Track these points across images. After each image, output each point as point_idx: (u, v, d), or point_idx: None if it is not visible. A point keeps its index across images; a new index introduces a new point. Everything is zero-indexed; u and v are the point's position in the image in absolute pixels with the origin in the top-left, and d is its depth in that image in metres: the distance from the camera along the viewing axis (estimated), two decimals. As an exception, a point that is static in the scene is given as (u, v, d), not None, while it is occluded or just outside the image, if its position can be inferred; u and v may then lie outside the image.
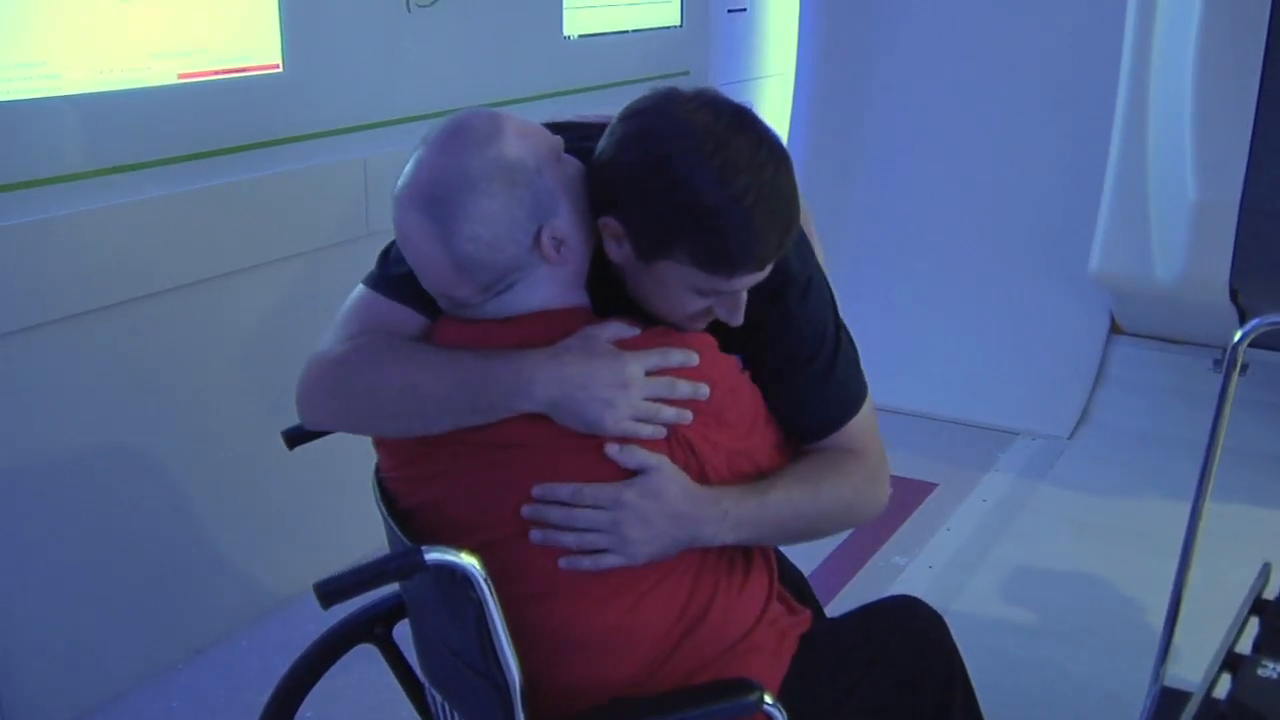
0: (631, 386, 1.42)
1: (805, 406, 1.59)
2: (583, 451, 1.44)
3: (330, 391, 1.53)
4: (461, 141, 1.42)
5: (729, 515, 1.49)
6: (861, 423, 1.62)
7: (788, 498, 1.53)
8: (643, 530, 1.44)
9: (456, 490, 1.49)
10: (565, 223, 1.45)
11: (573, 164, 1.49)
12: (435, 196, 1.40)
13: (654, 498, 1.44)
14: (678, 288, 1.45)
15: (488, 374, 1.42)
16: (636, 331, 1.47)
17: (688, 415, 1.45)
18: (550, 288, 1.47)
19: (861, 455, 1.62)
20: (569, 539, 1.44)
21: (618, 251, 1.47)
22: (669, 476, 1.45)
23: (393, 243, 1.59)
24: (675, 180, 1.38)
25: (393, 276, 1.55)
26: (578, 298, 1.51)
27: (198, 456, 2.77)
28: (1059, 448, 4.02)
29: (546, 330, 1.46)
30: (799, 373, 1.58)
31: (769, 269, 1.47)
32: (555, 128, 1.53)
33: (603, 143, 1.47)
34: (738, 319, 1.49)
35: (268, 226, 2.80)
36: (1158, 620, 2.33)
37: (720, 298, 1.47)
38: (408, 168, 1.44)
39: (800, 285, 1.57)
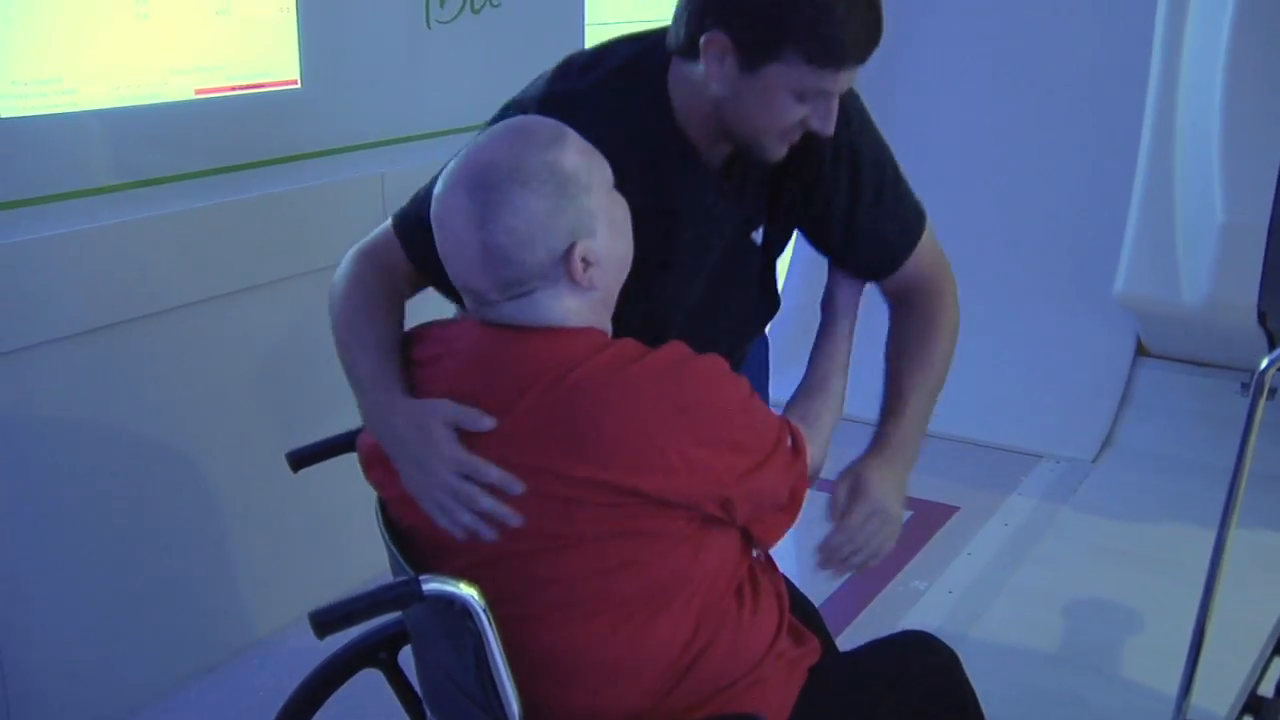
0: (439, 480, 1.43)
1: (880, 240, 1.79)
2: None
3: (331, 307, 1.64)
4: (523, 138, 1.43)
5: (910, 448, 1.76)
6: (929, 239, 1.82)
7: (920, 396, 1.80)
8: (898, 505, 1.70)
9: None
10: (600, 247, 1.44)
11: (622, 204, 1.49)
12: (484, 182, 1.40)
13: (890, 488, 1.69)
14: (781, 94, 1.53)
15: (363, 391, 1.53)
16: (490, 425, 1.42)
17: (510, 517, 1.41)
18: (571, 305, 1.46)
19: (937, 285, 1.84)
20: (860, 559, 1.66)
21: (719, 71, 1.53)
22: (870, 480, 1.67)
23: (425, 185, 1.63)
24: None
25: (410, 217, 1.65)
26: (598, 323, 1.49)
27: (212, 473, 2.76)
28: (1083, 471, 3.98)
29: (556, 349, 1.43)
30: (869, 209, 1.75)
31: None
32: (614, 44, 1.71)
33: None
34: (830, 128, 1.58)
35: (285, 242, 2.79)
36: (1180, 649, 2.28)
37: (817, 103, 1.55)
38: (462, 153, 1.46)
39: (857, 117, 1.73)
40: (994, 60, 4.54)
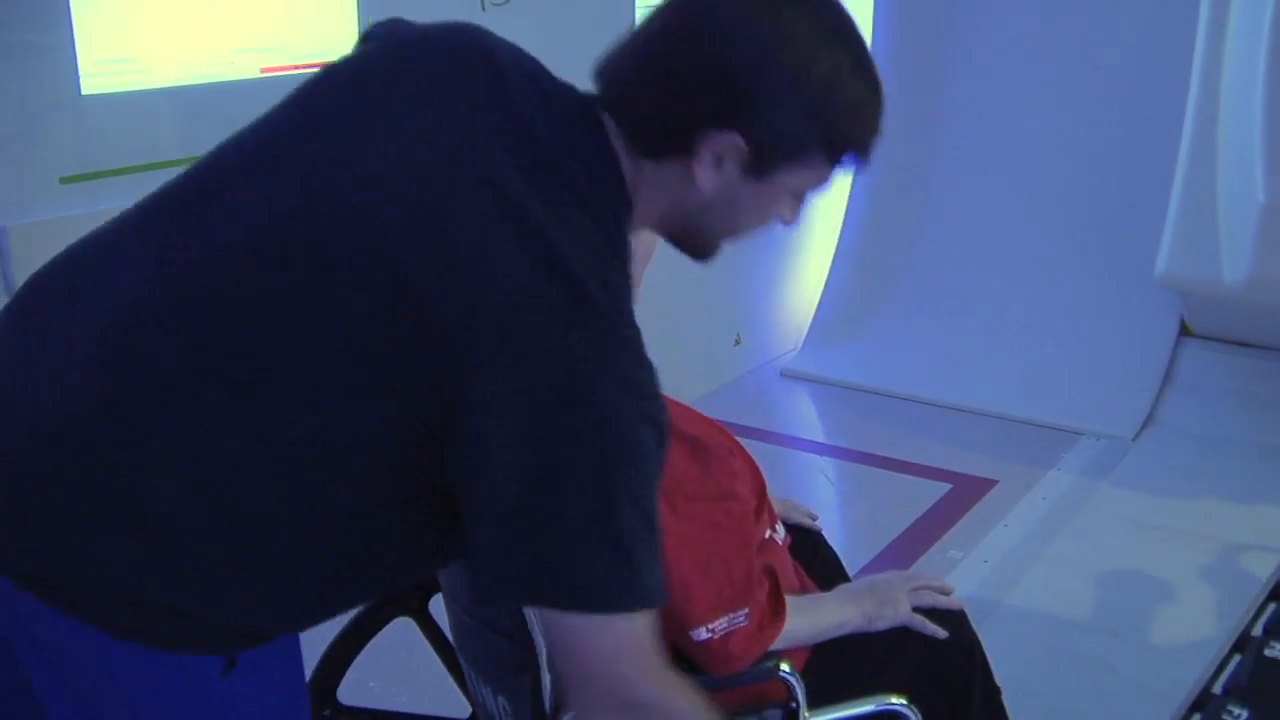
0: None
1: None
2: None
3: None
4: None
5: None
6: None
7: None
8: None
9: None
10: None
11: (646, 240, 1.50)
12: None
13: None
14: (779, 195, 1.35)
15: None
16: None
17: None
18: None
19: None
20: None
21: (715, 177, 1.30)
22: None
23: None
24: (824, 81, 1.27)
25: None
26: None
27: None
28: (1123, 448, 4.01)
29: None
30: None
31: None
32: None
33: (691, 50, 1.32)
34: (799, 220, 1.41)
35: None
36: (1210, 622, 2.31)
37: (800, 201, 1.39)
38: None
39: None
40: (1036, 40, 4.56)
